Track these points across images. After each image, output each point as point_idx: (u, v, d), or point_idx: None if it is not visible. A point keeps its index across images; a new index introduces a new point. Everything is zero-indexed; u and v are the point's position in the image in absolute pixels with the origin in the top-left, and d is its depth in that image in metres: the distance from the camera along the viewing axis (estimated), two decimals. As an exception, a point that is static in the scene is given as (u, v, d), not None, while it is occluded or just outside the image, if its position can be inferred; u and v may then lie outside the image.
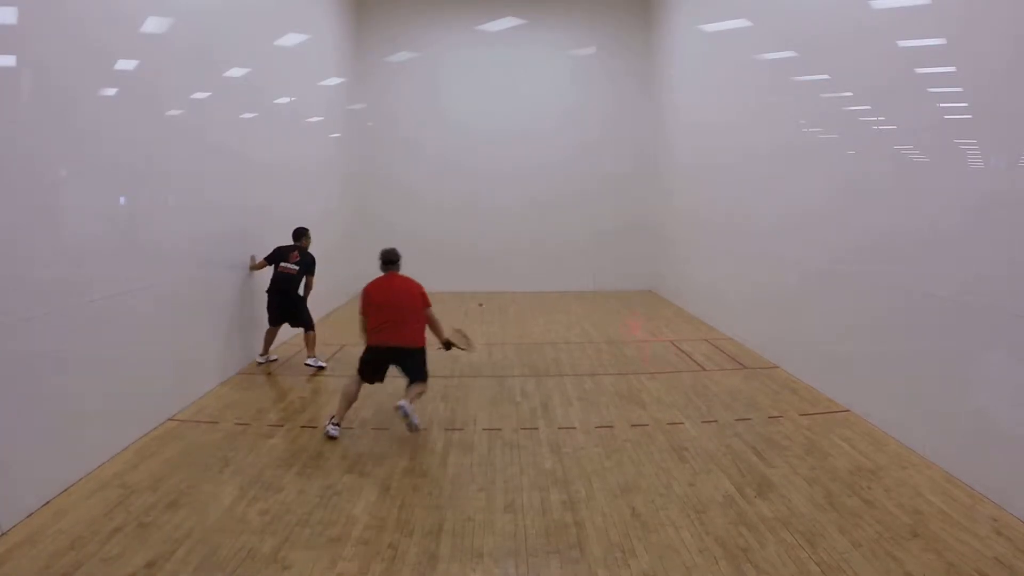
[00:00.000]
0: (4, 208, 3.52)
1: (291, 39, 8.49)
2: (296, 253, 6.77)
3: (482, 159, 12.16)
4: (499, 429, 5.01)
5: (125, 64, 4.70)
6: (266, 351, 6.94)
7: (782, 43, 6.67)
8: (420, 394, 4.86)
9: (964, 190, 4.01)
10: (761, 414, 5.23)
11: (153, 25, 5.06)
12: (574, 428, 5.02)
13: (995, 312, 3.75)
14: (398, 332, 4.84)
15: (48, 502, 3.73)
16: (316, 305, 9.66)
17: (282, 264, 6.69)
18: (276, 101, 7.96)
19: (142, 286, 4.84)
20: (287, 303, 6.75)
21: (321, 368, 6.71)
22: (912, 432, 4.50)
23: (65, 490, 3.88)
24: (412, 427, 4.61)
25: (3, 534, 3.37)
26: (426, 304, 5.01)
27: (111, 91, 4.54)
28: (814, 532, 3.39)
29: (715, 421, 5.11)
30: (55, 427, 3.88)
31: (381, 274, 5.09)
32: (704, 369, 6.65)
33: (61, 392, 3.94)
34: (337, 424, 4.83)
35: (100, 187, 4.46)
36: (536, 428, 5.03)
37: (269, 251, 6.84)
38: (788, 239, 6.57)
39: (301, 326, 6.90)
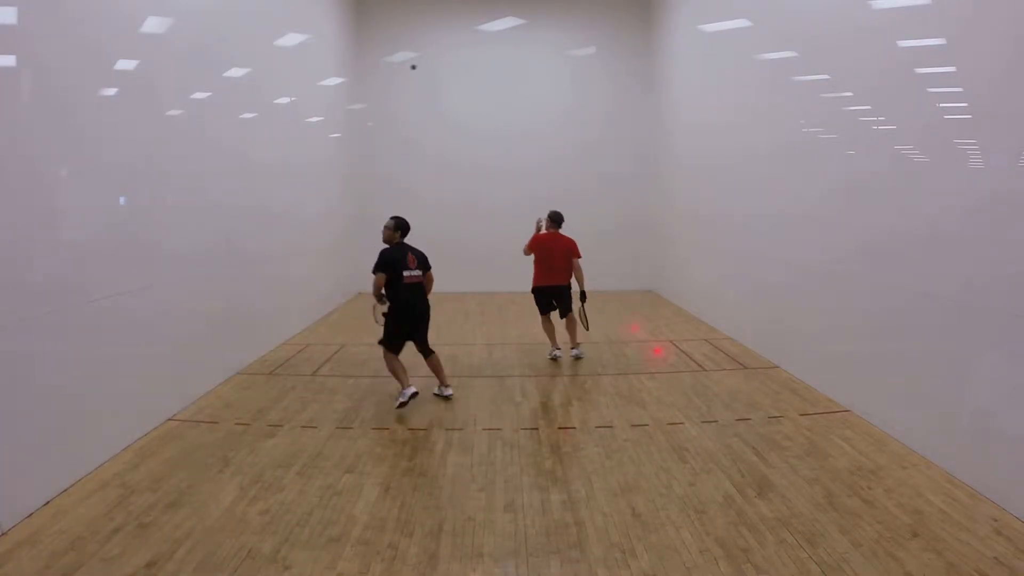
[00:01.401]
0: (4, 208, 3.52)
1: (291, 39, 8.49)
2: (412, 256, 5.58)
3: (482, 159, 12.16)
4: (499, 429, 5.01)
5: (125, 64, 4.70)
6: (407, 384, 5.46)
7: (782, 43, 6.67)
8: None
9: (964, 190, 4.01)
10: (761, 414, 5.23)
11: (153, 25, 5.06)
12: (574, 428, 5.02)
13: (995, 312, 3.75)
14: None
15: (48, 502, 3.73)
16: (317, 305, 9.71)
17: (405, 274, 5.46)
18: (276, 101, 7.96)
19: (142, 286, 4.85)
20: (423, 321, 5.65)
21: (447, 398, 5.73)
22: (912, 432, 4.50)
23: (65, 490, 3.89)
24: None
25: (3, 534, 3.38)
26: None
27: (111, 91, 4.54)
28: (814, 532, 3.39)
29: (715, 421, 5.11)
30: (55, 427, 3.88)
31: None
32: (704, 369, 6.65)
33: (61, 392, 3.94)
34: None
35: (100, 187, 4.46)
36: (536, 428, 5.04)
37: (379, 261, 5.48)
38: (788, 239, 6.57)
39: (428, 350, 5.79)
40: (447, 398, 5.66)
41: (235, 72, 6.64)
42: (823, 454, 4.40)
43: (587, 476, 4.14)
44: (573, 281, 7.18)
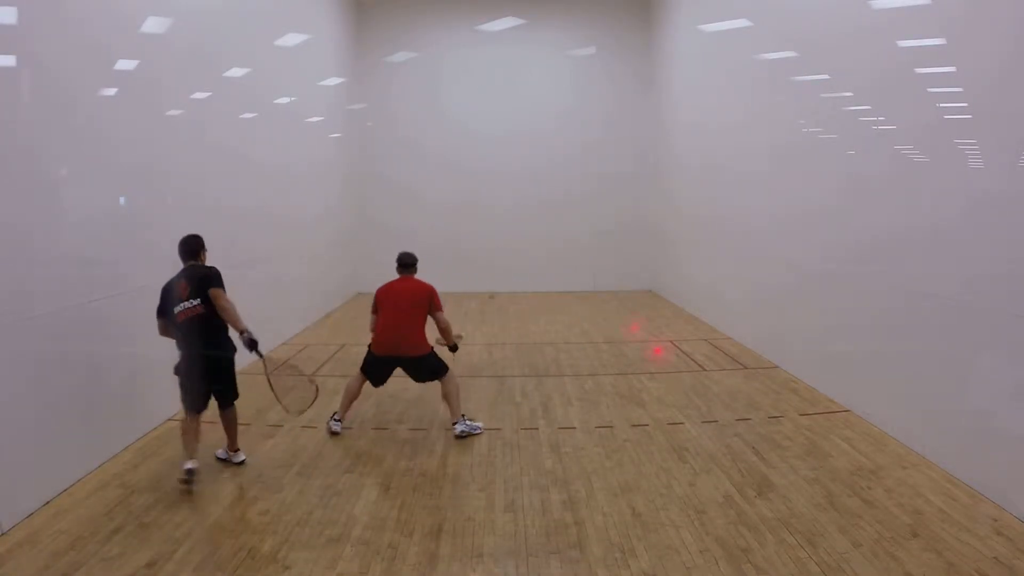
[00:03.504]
0: (4, 208, 3.52)
1: (291, 39, 8.49)
2: (184, 282, 4.18)
3: (482, 159, 12.17)
4: (499, 429, 5.01)
5: (125, 64, 4.70)
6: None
7: (782, 43, 6.67)
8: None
9: (964, 190, 4.01)
10: (761, 414, 5.23)
11: (153, 25, 5.06)
12: (574, 428, 5.02)
13: (995, 312, 3.75)
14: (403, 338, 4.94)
15: (48, 502, 3.73)
16: (317, 305, 9.71)
17: (176, 310, 4.13)
18: (276, 101, 7.96)
19: (142, 286, 4.83)
20: (215, 371, 4.32)
21: None
22: (912, 432, 4.50)
23: (65, 490, 3.89)
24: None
25: (3, 534, 3.38)
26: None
27: (111, 91, 4.54)
28: (814, 532, 3.39)
29: (715, 421, 5.10)
30: (55, 427, 3.88)
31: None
32: (704, 369, 6.65)
33: (61, 392, 3.94)
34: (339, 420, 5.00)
35: (100, 187, 4.47)
36: (536, 428, 5.03)
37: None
38: (788, 239, 6.57)
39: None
40: (239, 464, 4.36)
41: (235, 72, 6.64)
42: (823, 454, 4.40)
43: (587, 476, 4.14)
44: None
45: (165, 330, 4.19)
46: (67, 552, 3.23)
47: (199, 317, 4.05)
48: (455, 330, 5.22)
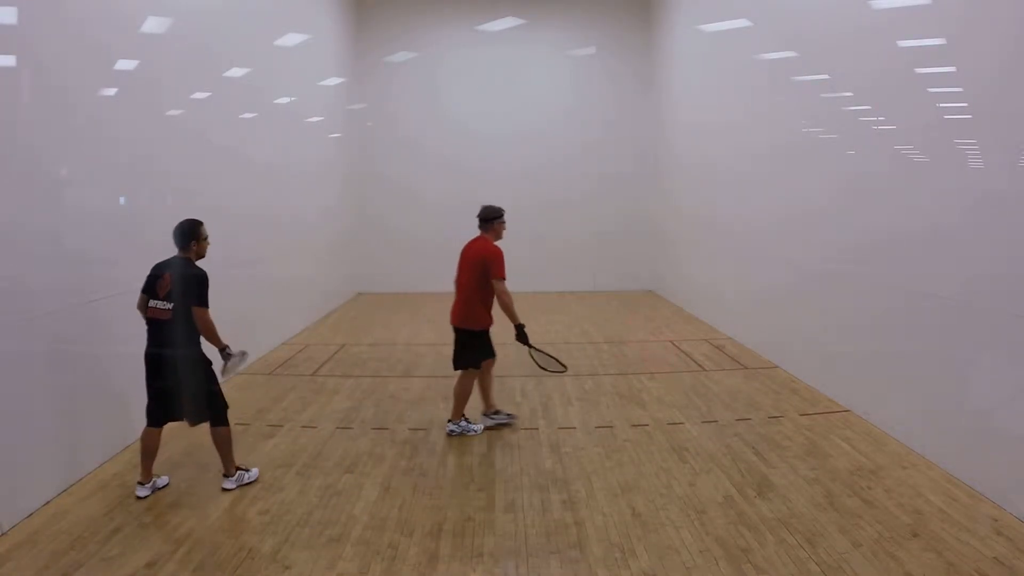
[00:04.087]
0: (4, 208, 3.52)
1: (291, 39, 8.49)
2: (167, 276, 3.93)
3: (482, 159, 12.16)
4: (499, 429, 5.01)
5: (125, 64, 4.70)
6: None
7: (782, 43, 6.67)
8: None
9: (964, 190, 4.01)
10: (761, 414, 5.23)
11: (153, 25, 5.06)
12: (574, 428, 5.02)
13: (995, 312, 3.75)
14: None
15: (48, 502, 3.73)
16: (317, 305, 9.70)
17: (150, 304, 3.95)
18: (276, 101, 7.96)
19: (142, 286, 4.84)
20: (180, 387, 4.00)
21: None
22: (912, 432, 4.50)
23: (65, 490, 3.89)
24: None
25: (3, 534, 3.38)
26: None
27: (111, 91, 4.54)
28: (814, 532, 3.39)
29: (715, 421, 5.10)
30: (55, 427, 3.87)
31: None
32: (704, 369, 6.65)
33: (61, 392, 3.94)
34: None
35: (100, 187, 4.47)
36: (536, 428, 5.03)
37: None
38: (788, 239, 6.57)
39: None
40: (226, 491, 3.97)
41: (235, 72, 6.64)
42: (823, 454, 4.40)
43: (587, 476, 4.14)
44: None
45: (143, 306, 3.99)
46: (67, 552, 3.23)
47: (167, 322, 3.84)
48: (555, 356, 4.82)
